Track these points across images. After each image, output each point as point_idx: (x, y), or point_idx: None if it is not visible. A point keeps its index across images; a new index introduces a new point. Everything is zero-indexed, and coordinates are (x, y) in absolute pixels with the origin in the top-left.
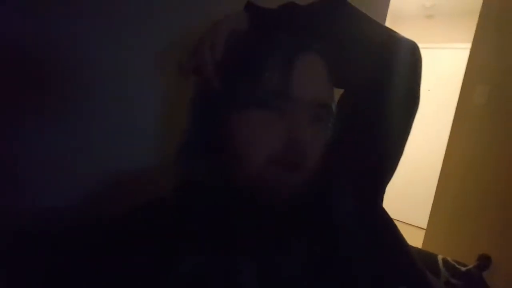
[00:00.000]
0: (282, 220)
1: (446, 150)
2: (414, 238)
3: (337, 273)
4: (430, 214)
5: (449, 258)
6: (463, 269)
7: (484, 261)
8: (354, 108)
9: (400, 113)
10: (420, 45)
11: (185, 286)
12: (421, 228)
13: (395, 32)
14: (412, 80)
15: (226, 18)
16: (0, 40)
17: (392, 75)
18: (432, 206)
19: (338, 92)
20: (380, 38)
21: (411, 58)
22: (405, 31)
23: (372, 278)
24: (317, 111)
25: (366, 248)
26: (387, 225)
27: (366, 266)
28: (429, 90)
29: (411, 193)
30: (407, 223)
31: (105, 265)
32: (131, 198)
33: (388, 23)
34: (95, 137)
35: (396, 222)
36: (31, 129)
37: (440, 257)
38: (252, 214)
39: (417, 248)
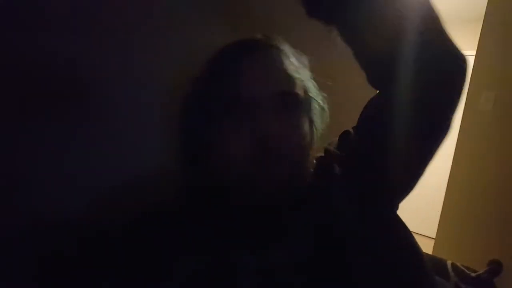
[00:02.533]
0: (284, 218)
1: (454, 157)
2: (424, 248)
3: (339, 274)
4: (439, 223)
5: (458, 264)
6: (473, 274)
7: (495, 267)
8: (385, 112)
9: (433, 130)
10: None
11: (185, 285)
12: (430, 237)
13: (450, 38)
14: (454, 97)
15: None
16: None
17: (437, 84)
18: (441, 214)
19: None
20: (438, 43)
21: (460, 72)
22: None
23: (376, 280)
24: (283, 100)
25: (371, 250)
26: (398, 231)
27: (368, 268)
28: None
29: (419, 202)
30: (416, 233)
31: (108, 266)
32: (133, 201)
33: None
34: (100, 143)
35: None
36: (40, 135)
37: (449, 263)
38: (251, 213)
39: (426, 254)
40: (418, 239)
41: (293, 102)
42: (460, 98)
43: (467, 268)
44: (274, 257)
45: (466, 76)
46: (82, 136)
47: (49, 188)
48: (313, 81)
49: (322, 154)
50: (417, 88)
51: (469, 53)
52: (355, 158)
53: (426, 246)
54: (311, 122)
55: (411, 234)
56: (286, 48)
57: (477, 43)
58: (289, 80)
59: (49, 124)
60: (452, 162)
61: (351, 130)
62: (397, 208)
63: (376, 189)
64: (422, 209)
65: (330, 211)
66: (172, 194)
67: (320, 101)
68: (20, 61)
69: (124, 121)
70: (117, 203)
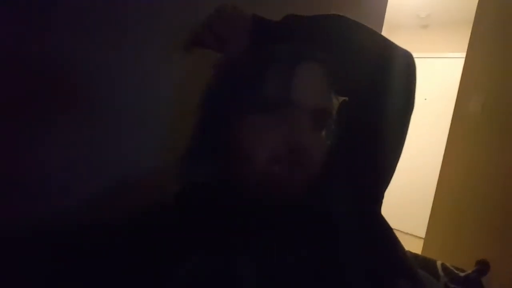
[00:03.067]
0: (284, 220)
1: (443, 158)
2: (413, 247)
3: (335, 272)
4: (428, 222)
5: (448, 264)
6: (462, 274)
7: (483, 267)
8: (354, 115)
9: (397, 120)
10: (415, 54)
11: (187, 285)
12: (419, 237)
13: (393, 42)
14: (409, 88)
15: (233, 7)
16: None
17: (391, 83)
18: (430, 214)
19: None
20: (380, 49)
21: (408, 67)
22: (401, 41)
23: (367, 276)
24: (316, 115)
25: (362, 247)
26: (383, 228)
27: (362, 264)
28: (425, 99)
29: (408, 202)
30: (405, 232)
31: (111, 264)
32: (137, 199)
33: (383, 33)
34: (104, 140)
35: (394, 231)
36: (41, 132)
37: (439, 263)
38: (253, 214)
39: (416, 254)
40: (407, 238)
41: (326, 120)
42: (415, 84)
43: (456, 268)
44: (275, 256)
45: (415, 65)
46: (86, 132)
47: (48, 186)
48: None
49: None
50: (380, 86)
51: (460, 55)
52: (338, 157)
53: (416, 246)
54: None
55: (393, 232)
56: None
57: (467, 45)
58: (329, 98)
59: (47, 124)
60: (442, 163)
61: None
62: (381, 205)
63: (360, 182)
64: (412, 209)
65: (324, 211)
66: (175, 191)
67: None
68: (16, 60)
69: (126, 116)
70: (119, 200)
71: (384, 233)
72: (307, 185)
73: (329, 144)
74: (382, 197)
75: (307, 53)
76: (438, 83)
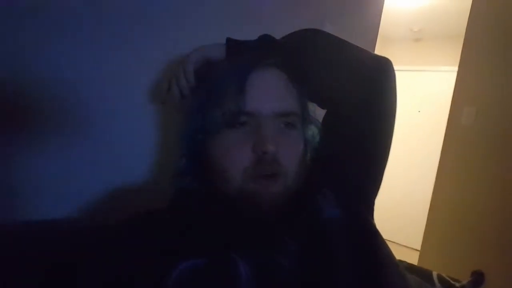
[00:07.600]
0: (275, 224)
1: (438, 170)
2: (409, 259)
3: (325, 274)
4: (424, 235)
5: (443, 274)
6: (458, 284)
7: (478, 278)
8: (337, 125)
9: (382, 124)
10: (409, 67)
11: (185, 285)
12: (415, 249)
13: (367, 50)
14: (390, 94)
15: (201, 48)
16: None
17: (369, 88)
18: (425, 226)
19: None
20: (355, 57)
21: (384, 70)
22: (394, 54)
23: (356, 278)
24: (282, 120)
25: (350, 252)
26: (371, 233)
27: (350, 268)
28: (419, 111)
29: (403, 214)
30: (401, 245)
31: (105, 267)
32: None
33: (377, 46)
34: (103, 158)
35: (389, 243)
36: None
37: (435, 273)
38: (245, 220)
39: (412, 264)
40: (403, 251)
41: (292, 123)
42: (395, 86)
43: (452, 278)
44: (269, 265)
45: (392, 69)
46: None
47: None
48: (311, 104)
49: None
50: (359, 91)
51: (452, 69)
52: (325, 164)
53: (412, 258)
54: (306, 142)
55: (385, 243)
56: (291, 69)
57: (459, 58)
58: (290, 101)
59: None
60: (436, 175)
61: None
62: (372, 212)
63: (349, 188)
64: (407, 221)
65: (317, 220)
66: (168, 202)
67: (316, 124)
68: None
69: (121, 126)
70: (115, 206)
71: (374, 239)
72: (293, 188)
73: (311, 147)
74: (373, 203)
75: (262, 61)
76: (431, 95)
